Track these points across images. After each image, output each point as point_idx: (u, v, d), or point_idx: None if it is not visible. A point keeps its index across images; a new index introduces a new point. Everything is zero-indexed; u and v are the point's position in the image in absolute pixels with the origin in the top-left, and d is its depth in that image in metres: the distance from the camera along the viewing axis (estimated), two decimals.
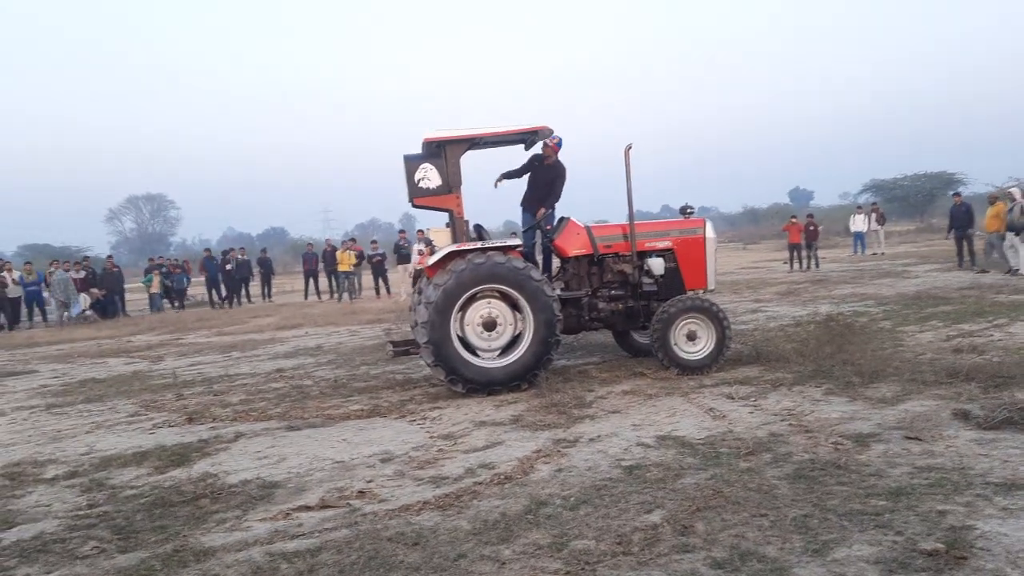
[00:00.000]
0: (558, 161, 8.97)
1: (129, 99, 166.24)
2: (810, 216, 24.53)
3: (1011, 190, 17.56)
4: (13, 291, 21.69)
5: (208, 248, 29.89)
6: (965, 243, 18.44)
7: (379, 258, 24.45)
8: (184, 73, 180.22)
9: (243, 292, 25.62)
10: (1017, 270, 15.96)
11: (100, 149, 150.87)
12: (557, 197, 8.95)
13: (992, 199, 17.85)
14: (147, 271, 25.37)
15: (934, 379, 6.71)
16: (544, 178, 9.02)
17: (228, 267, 25.06)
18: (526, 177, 9.12)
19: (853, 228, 27.81)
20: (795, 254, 23.02)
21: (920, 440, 5.08)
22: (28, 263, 24.46)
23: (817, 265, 22.46)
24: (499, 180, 8.96)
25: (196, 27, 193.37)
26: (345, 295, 23.36)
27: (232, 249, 26.96)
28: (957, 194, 20.03)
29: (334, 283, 24.57)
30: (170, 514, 4.75)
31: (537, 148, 8.90)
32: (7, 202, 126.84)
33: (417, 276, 18.38)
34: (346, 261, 23.36)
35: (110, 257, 26.78)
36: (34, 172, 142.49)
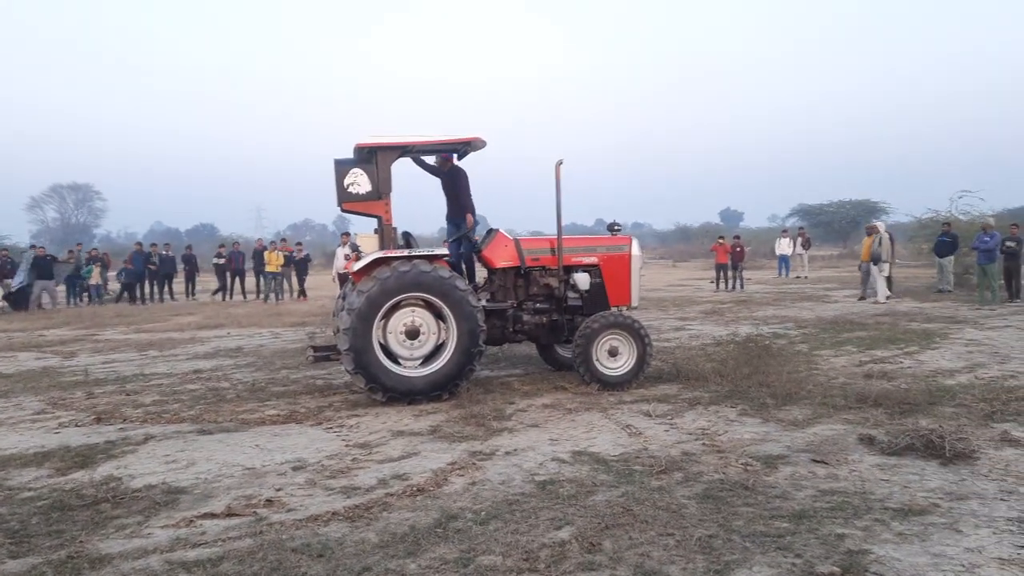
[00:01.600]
0: (454, 167, 8.99)
1: (55, 84, 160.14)
2: (736, 237, 25.09)
3: (876, 223, 18.85)
4: None
5: (139, 242, 28.87)
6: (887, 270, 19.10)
7: (300, 258, 24.16)
8: (117, 61, 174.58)
9: (166, 289, 24.89)
10: (874, 298, 17.22)
11: (22, 133, 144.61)
12: (470, 198, 8.93)
13: (869, 231, 18.80)
14: (88, 261, 24.41)
15: (844, 403, 6.95)
16: (448, 186, 9.05)
17: (152, 264, 24.35)
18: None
19: (778, 251, 28.58)
20: (721, 274, 23.52)
21: (826, 464, 5.24)
22: None
23: (742, 286, 23.00)
24: (414, 158, 8.83)
25: (132, 15, 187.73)
26: (272, 296, 22.94)
27: (155, 244, 26.20)
28: (879, 222, 20.75)
29: (261, 283, 24.09)
30: (68, 518, 4.57)
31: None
32: None
33: (343, 279, 18.21)
34: (274, 261, 22.95)
35: (40, 247, 25.72)
36: None
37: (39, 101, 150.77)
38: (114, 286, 25.96)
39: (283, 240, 26.14)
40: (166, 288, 24.95)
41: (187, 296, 25.16)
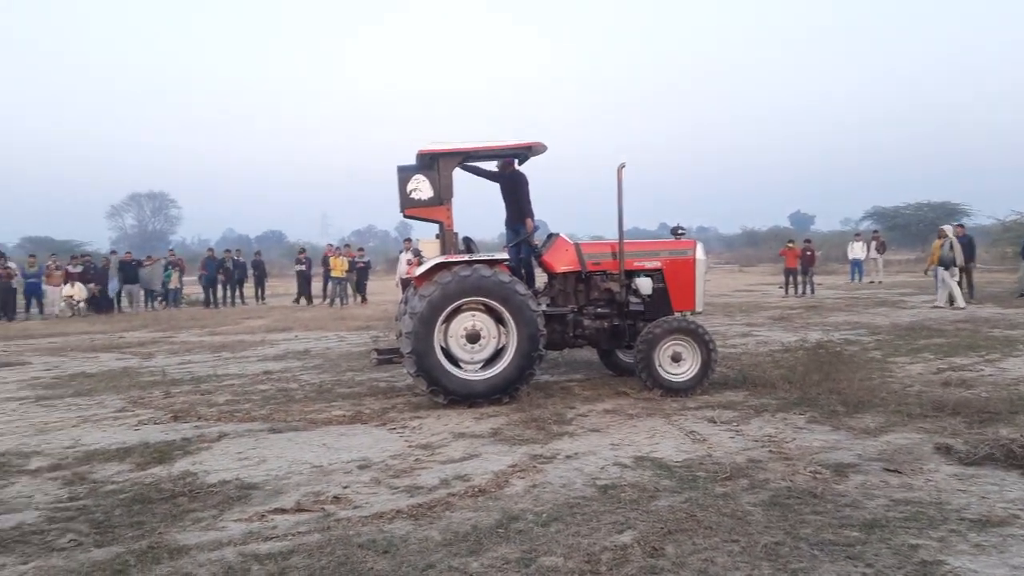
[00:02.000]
0: (515, 171, 9.01)
1: (137, 99, 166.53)
2: (807, 241, 24.54)
3: (943, 227, 18.28)
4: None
5: (211, 248, 29.83)
6: (964, 276, 18.49)
7: (362, 264, 24.52)
8: (191, 76, 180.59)
9: (237, 293, 25.62)
10: (958, 305, 16.60)
11: (105, 146, 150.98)
12: (529, 204, 8.96)
13: (940, 235, 18.26)
14: (167, 266, 25.39)
15: (920, 412, 6.72)
16: (508, 192, 9.08)
17: (225, 269, 25.15)
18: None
19: (851, 255, 27.80)
20: (791, 279, 23.02)
21: (900, 473, 5.08)
22: (32, 256, 24.60)
23: (813, 291, 22.47)
24: (466, 166, 8.76)
25: (202, 31, 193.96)
26: (336, 301, 23.37)
27: (228, 250, 27.01)
28: (960, 225, 20.07)
29: (325, 288, 24.57)
30: (148, 511, 4.77)
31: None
32: (10, 195, 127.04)
33: (405, 284, 18.47)
34: (339, 267, 23.39)
35: (113, 252, 26.84)
36: (39, 167, 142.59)
37: (120, 115, 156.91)
38: (189, 290, 26.86)
39: (347, 246, 26.63)
40: (237, 292, 25.66)
41: (257, 301, 25.77)
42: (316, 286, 25.67)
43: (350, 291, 24.13)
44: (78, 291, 22.38)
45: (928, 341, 11.46)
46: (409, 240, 21.09)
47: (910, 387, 7.92)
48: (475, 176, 9.03)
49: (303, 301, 24.65)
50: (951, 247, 17.06)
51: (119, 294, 23.75)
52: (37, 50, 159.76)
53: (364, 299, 24.14)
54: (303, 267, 25.05)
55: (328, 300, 23.82)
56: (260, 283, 26.54)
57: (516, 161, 8.91)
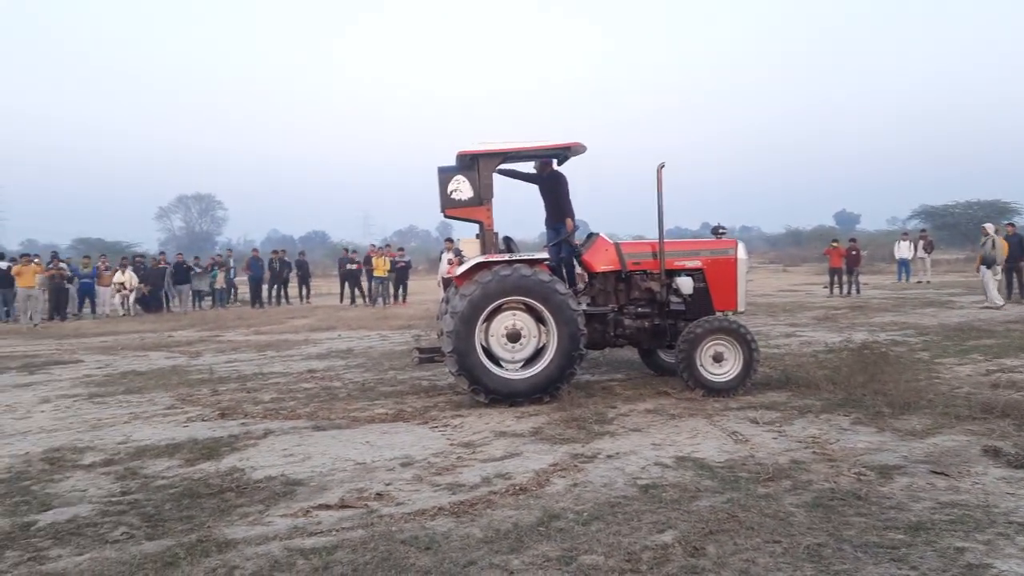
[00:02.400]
0: (554, 171, 9.03)
1: (185, 102, 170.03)
2: (852, 240, 24.14)
3: (985, 225, 17.96)
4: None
5: (256, 248, 30.32)
6: (1015, 275, 18.08)
7: (402, 264, 24.70)
8: (237, 78, 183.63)
9: (281, 293, 26.01)
10: (991, 304, 16.47)
11: (153, 148, 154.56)
12: (569, 204, 8.97)
13: (985, 232, 17.86)
14: (211, 267, 25.92)
15: (968, 414, 6.59)
16: (548, 192, 9.10)
17: (272, 267, 25.65)
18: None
19: (898, 255, 27.33)
20: (835, 279, 22.68)
21: (946, 475, 5.00)
22: (87, 256, 25.31)
23: (858, 291, 22.11)
24: (502, 168, 8.67)
25: (245, 36, 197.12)
26: (379, 300, 23.59)
27: (275, 251, 27.46)
28: (1011, 224, 19.59)
29: (369, 288, 24.80)
30: (197, 505, 4.89)
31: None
32: (63, 197, 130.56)
33: (447, 284, 18.56)
34: (381, 267, 23.61)
35: (162, 253, 27.51)
36: (90, 169, 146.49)
37: (168, 117, 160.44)
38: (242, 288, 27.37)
39: (387, 246, 26.85)
40: (282, 292, 26.05)
41: (301, 300, 26.11)
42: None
43: (391, 290, 24.34)
44: (128, 278, 23.00)
45: (977, 342, 11.22)
46: (450, 240, 21.17)
47: (958, 389, 7.77)
48: (513, 179, 9.08)
49: (358, 300, 24.72)
50: (993, 245, 16.80)
51: (166, 294, 24.35)
52: (88, 56, 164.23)
53: (404, 299, 24.33)
54: (354, 266, 25.13)
55: (370, 299, 24.07)
56: (305, 283, 26.79)
57: (555, 161, 8.93)
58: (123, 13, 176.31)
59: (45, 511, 4.89)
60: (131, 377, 10.52)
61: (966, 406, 6.84)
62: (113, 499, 5.09)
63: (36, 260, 21.79)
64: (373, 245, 28.40)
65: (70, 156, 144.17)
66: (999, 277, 16.97)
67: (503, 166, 8.58)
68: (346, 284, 25.56)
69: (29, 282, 19.85)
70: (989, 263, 16.77)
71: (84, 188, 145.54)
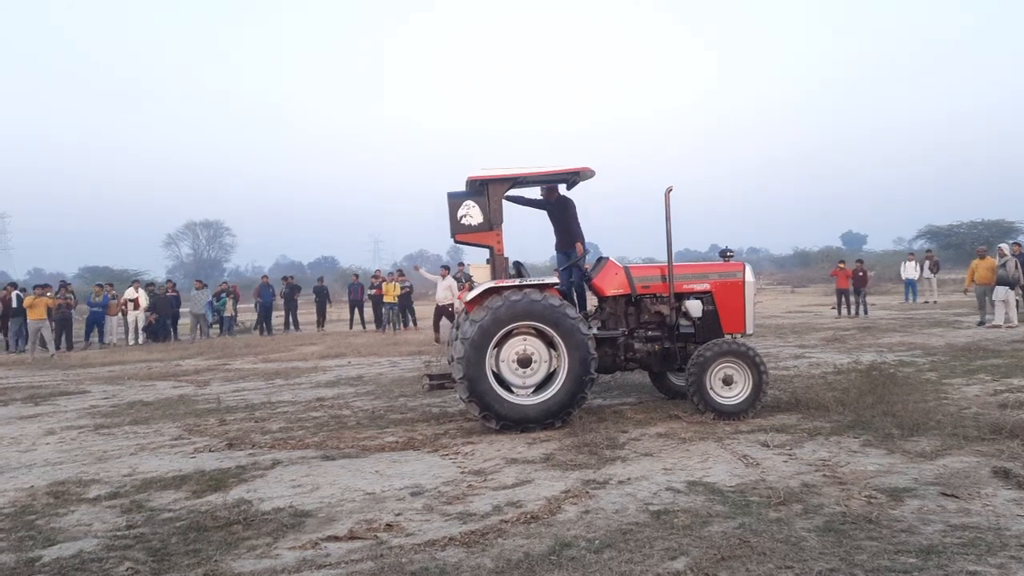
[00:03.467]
0: (562, 196, 9.09)
1: (190, 132, 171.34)
2: (859, 261, 24.08)
3: (1000, 245, 17.88)
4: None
5: (266, 275, 30.33)
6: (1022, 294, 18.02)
7: (407, 290, 24.74)
8: (243, 108, 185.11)
9: (292, 319, 26.08)
10: (1000, 323, 16.47)
11: (161, 176, 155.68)
12: (579, 228, 9.04)
13: (982, 253, 17.97)
14: (218, 294, 26.01)
15: (977, 435, 6.57)
16: (557, 216, 9.15)
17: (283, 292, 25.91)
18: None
19: (904, 275, 27.31)
20: (843, 299, 22.65)
21: (957, 497, 4.98)
22: (99, 285, 25.11)
23: (866, 312, 22.05)
24: (509, 195, 8.68)
25: (251, 63, 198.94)
26: (388, 326, 23.61)
27: (286, 277, 27.58)
28: (1017, 243, 19.56)
29: (378, 314, 24.81)
30: (204, 538, 4.86)
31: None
32: (70, 225, 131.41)
33: (441, 312, 18.69)
34: (391, 292, 23.64)
35: (170, 282, 27.61)
36: (97, 196, 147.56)
37: (175, 145, 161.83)
38: (242, 317, 27.44)
39: (399, 272, 26.92)
40: (292, 318, 26.11)
41: (318, 327, 25.97)
42: (366, 312, 25.93)
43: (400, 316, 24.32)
44: (141, 296, 23.15)
45: (984, 362, 11.18)
46: (447, 268, 21.23)
47: (966, 409, 7.74)
48: (518, 203, 9.12)
49: (368, 325, 24.75)
50: (1017, 266, 16.72)
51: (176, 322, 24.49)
52: (93, 83, 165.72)
53: (415, 324, 24.34)
54: (374, 291, 24.99)
55: (382, 326, 24.02)
56: (322, 310, 26.57)
57: (563, 186, 8.99)
58: (127, 38, 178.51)
59: (50, 546, 4.86)
60: (138, 407, 10.52)
61: (975, 427, 6.82)
62: (119, 533, 5.05)
63: (50, 292, 21.45)
64: (380, 271, 28.45)
65: (77, 183, 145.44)
66: (1019, 297, 16.92)
67: (510, 192, 8.62)
68: (355, 310, 25.59)
69: (41, 314, 19.40)
70: (1012, 283, 16.64)
71: (91, 216, 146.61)
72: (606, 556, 4.20)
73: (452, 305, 18.91)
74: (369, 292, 25.26)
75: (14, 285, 23.49)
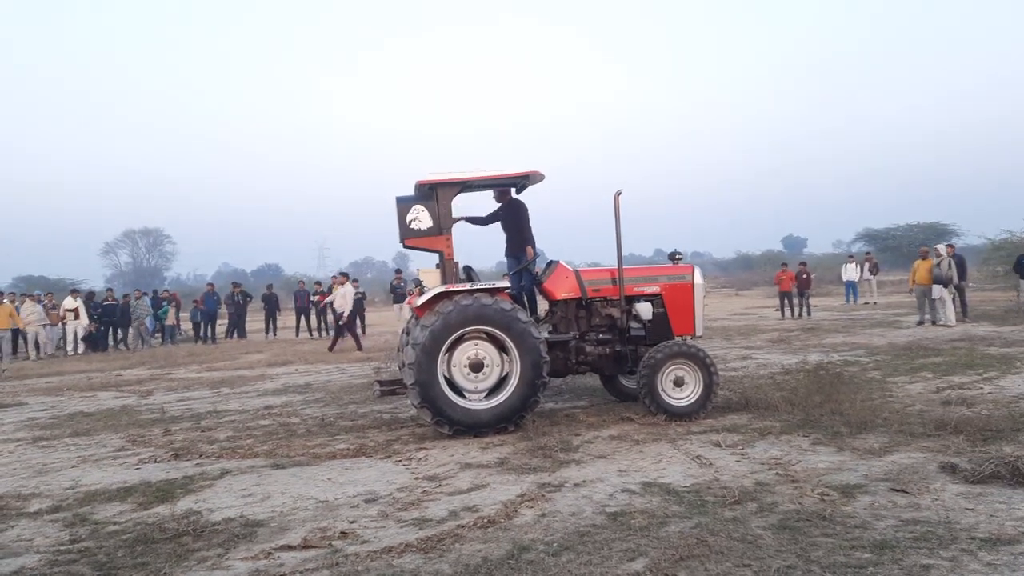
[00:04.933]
0: (513, 200, 9.09)
1: (126, 137, 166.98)
2: (803, 264, 24.62)
3: (936, 246, 18.54)
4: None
5: (211, 283, 29.60)
6: (957, 294, 18.61)
7: (359, 296, 24.45)
8: (180, 111, 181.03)
9: (241, 328, 25.64)
10: (946, 323, 17.10)
11: (97, 184, 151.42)
12: (529, 230, 9.04)
13: (924, 254, 18.55)
14: (162, 302, 25.37)
15: (922, 431, 6.73)
16: (508, 221, 9.13)
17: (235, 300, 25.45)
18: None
19: (845, 277, 27.98)
20: (786, 301, 23.12)
21: (906, 493, 5.08)
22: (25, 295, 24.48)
23: (809, 313, 22.53)
24: (460, 219, 8.69)
25: (191, 66, 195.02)
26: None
27: (236, 283, 27.06)
28: (950, 245, 20.22)
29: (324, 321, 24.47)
30: (152, 551, 4.71)
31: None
32: (3, 233, 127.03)
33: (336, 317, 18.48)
34: None
35: (110, 290, 26.84)
36: (30, 205, 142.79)
37: (112, 150, 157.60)
38: (186, 326, 26.84)
39: (353, 279, 26.58)
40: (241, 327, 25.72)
41: (267, 335, 25.50)
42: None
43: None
44: (79, 305, 22.44)
45: (926, 360, 11.50)
46: (344, 274, 20.99)
47: (911, 406, 7.93)
48: (476, 224, 9.10)
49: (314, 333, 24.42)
50: (950, 265, 17.32)
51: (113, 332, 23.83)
52: (25, 86, 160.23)
53: (363, 330, 24.06)
54: (318, 297, 24.57)
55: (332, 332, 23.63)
56: (272, 317, 26.05)
57: (514, 191, 8.98)
58: (60, 38, 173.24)
59: None
60: (78, 419, 10.18)
61: (920, 423, 6.99)
62: (62, 548, 4.88)
63: (6, 299, 20.35)
64: (335, 276, 28.03)
65: (10, 190, 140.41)
66: (954, 295, 17.50)
67: (464, 216, 8.64)
68: (302, 317, 25.24)
69: (3, 323, 17.93)
70: (945, 282, 17.26)
71: (25, 223, 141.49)
72: (565, 559, 4.18)
73: (345, 313, 18.85)
74: (313, 299, 24.92)
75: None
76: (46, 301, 23.39)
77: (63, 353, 22.28)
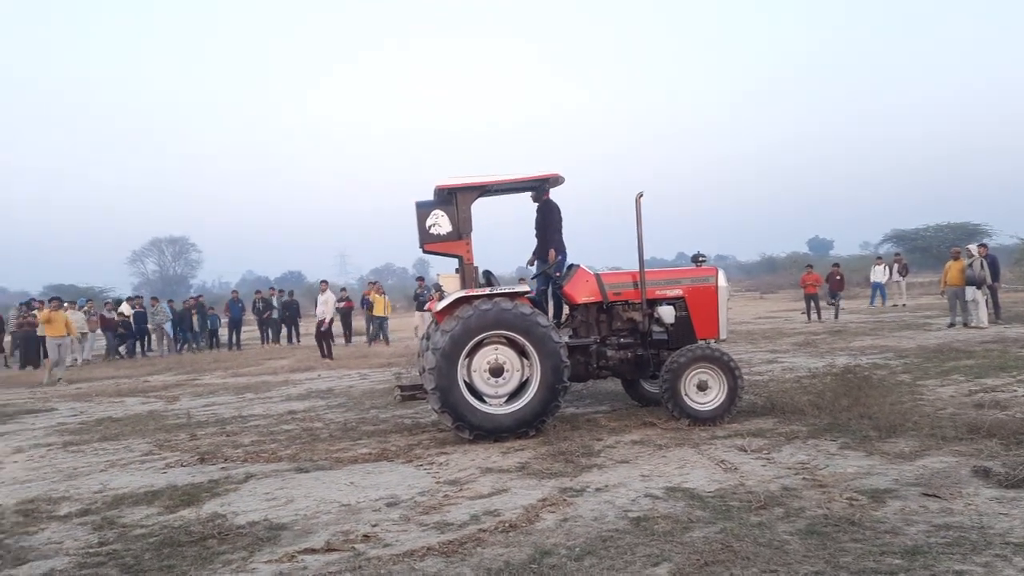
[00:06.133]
0: (547, 201, 9.05)
1: (155, 146, 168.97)
2: (835, 266, 24.59)
3: (969, 246, 18.27)
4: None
5: (235, 290, 29.87)
6: (989, 295, 18.34)
7: (346, 303, 24.60)
8: (207, 121, 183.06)
9: (268, 333, 25.94)
10: (978, 324, 16.76)
11: (125, 192, 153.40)
12: (558, 233, 8.99)
13: (956, 254, 18.18)
14: (190, 308, 25.69)
15: (954, 435, 6.60)
16: (538, 222, 9.12)
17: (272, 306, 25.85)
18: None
19: (873, 279, 27.69)
20: (811, 304, 22.89)
21: (938, 497, 4.98)
22: (40, 302, 24.68)
23: (836, 316, 22.29)
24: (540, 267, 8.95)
25: (216, 76, 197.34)
26: (379, 337, 23.23)
27: (274, 288, 27.33)
28: (983, 245, 19.90)
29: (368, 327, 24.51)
30: (178, 554, 4.74)
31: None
32: (34, 244, 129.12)
33: (317, 328, 18.57)
34: (380, 305, 23.36)
35: (139, 296, 27.19)
36: (60, 215, 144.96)
37: (141, 161, 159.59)
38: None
39: (375, 282, 26.70)
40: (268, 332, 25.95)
41: (289, 341, 25.65)
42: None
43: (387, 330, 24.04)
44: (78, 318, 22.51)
45: (957, 363, 11.30)
46: (326, 282, 21.02)
47: (942, 410, 7.79)
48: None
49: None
50: (983, 266, 16.99)
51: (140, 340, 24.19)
52: (55, 97, 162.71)
53: (349, 339, 24.18)
54: (343, 304, 24.61)
55: (368, 339, 23.66)
56: (294, 324, 26.13)
57: (549, 191, 8.94)
58: (89, 51, 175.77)
59: (20, 565, 4.72)
60: (107, 424, 10.30)
61: (952, 427, 6.85)
62: (91, 550, 4.93)
63: (67, 305, 19.65)
64: (371, 283, 28.06)
65: (40, 200, 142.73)
66: (987, 296, 17.20)
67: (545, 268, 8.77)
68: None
69: (60, 331, 17.08)
70: (979, 283, 16.92)
71: (55, 233, 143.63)
72: (587, 564, 4.14)
73: (326, 320, 18.97)
74: (338, 305, 25.03)
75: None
76: (87, 308, 23.71)
77: (117, 356, 22.87)
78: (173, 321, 24.60)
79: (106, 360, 22.40)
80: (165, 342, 23.96)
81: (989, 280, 17.19)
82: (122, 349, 23.78)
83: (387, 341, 23.10)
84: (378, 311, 23.24)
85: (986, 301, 17.41)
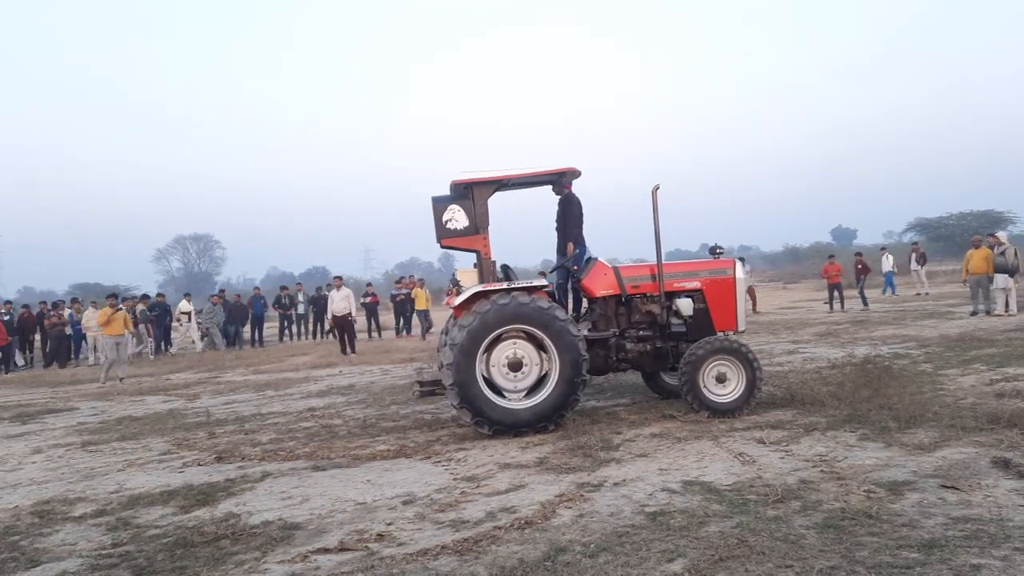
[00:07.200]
0: (568, 194, 9.00)
1: (180, 144, 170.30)
2: (858, 255, 24.55)
3: (998, 234, 17.90)
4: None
5: (257, 287, 30.05)
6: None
7: (372, 297, 24.83)
8: (231, 117, 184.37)
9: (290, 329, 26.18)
10: (1002, 312, 16.63)
11: (149, 190, 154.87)
12: (577, 227, 8.95)
13: (977, 243, 17.87)
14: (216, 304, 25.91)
15: (974, 425, 6.51)
16: (559, 215, 9.10)
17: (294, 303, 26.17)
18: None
19: (884, 269, 27.58)
20: (834, 294, 22.70)
21: (957, 489, 4.91)
22: (76, 301, 24.94)
23: (865, 304, 22.09)
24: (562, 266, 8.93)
25: (240, 74, 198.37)
26: (425, 332, 23.21)
27: (298, 283, 27.58)
28: (994, 235, 19.62)
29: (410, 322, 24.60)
30: (190, 554, 4.75)
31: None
32: (59, 243, 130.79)
33: (337, 325, 18.93)
34: (423, 299, 23.42)
35: (161, 295, 27.43)
36: (85, 213, 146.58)
37: (162, 159, 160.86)
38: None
39: (411, 276, 26.84)
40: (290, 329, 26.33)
41: (315, 337, 25.87)
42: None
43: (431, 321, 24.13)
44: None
45: (979, 352, 11.15)
46: (339, 278, 21.04)
47: (963, 400, 7.69)
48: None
49: (373, 334, 24.33)
50: (1016, 254, 16.75)
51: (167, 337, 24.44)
52: (81, 95, 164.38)
53: (380, 334, 24.30)
54: (369, 299, 24.95)
55: (422, 333, 23.71)
56: (320, 320, 26.15)
57: (571, 184, 8.90)
58: (114, 51, 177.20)
59: (33, 567, 4.75)
60: (126, 423, 10.39)
61: (972, 417, 6.76)
62: (104, 552, 4.95)
63: (123, 303, 19.75)
64: (411, 277, 28.20)
65: (66, 199, 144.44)
66: (1020, 283, 16.96)
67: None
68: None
69: (119, 329, 16.95)
70: (1012, 271, 16.67)
71: (79, 232, 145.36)
72: (602, 560, 4.11)
73: (349, 314, 19.04)
74: (364, 300, 25.20)
75: (9, 303, 23.27)
76: (123, 307, 23.88)
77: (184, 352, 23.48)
78: (225, 321, 24.71)
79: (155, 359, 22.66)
80: (216, 342, 23.99)
81: (1022, 268, 16.91)
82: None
83: (424, 335, 23.24)
84: (420, 305, 23.42)
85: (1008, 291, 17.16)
